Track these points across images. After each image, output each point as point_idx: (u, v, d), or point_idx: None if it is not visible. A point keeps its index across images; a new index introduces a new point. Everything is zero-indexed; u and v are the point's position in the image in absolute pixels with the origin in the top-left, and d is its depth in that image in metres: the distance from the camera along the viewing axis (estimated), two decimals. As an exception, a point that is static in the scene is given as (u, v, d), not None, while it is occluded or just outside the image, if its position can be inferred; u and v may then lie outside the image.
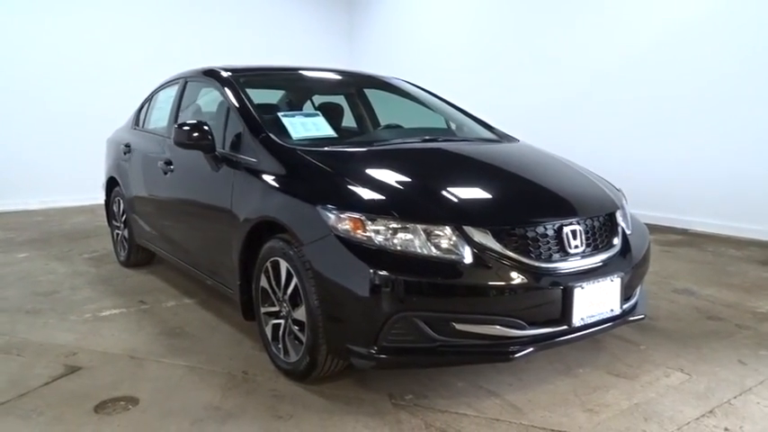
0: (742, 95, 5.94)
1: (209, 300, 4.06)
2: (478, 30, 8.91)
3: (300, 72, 4.19)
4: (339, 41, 11.26)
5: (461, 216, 2.45)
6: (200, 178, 3.45)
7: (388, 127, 4.12)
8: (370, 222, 2.40)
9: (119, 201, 4.95)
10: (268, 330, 2.93)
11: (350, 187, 2.61)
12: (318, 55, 10.64)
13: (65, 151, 8.62)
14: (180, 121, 3.96)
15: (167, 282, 4.54)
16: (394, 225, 2.39)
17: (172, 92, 4.35)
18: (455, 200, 2.57)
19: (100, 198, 8.56)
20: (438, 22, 9.62)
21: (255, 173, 2.99)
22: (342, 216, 2.45)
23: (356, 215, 2.43)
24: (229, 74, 3.65)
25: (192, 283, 4.44)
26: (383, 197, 2.55)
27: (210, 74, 3.76)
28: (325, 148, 3.04)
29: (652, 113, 6.74)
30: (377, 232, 2.39)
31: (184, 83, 4.14)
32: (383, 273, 2.31)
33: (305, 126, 3.25)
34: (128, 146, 4.69)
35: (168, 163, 3.85)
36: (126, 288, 4.41)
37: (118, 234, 5.08)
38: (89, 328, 3.57)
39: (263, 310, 2.96)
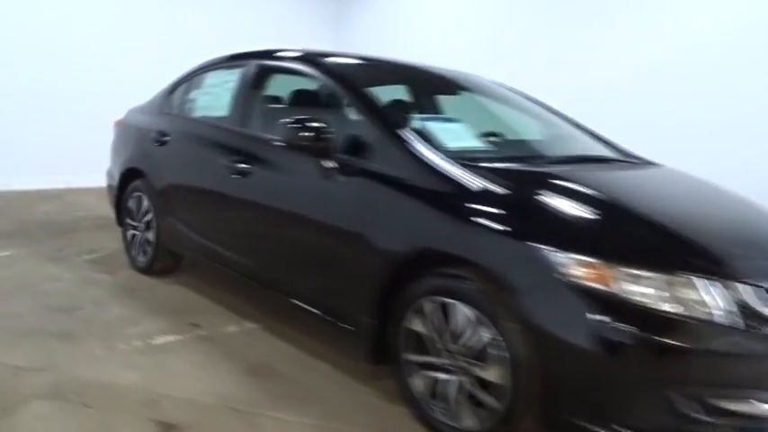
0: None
1: (275, 325, 3.45)
2: (484, 25, 8.50)
3: (410, 67, 3.62)
4: (324, 31, 10.57)
5: (717, 265, 2.02)
6: (303, 186, 2.86)
7: (516, 139, 3.51)
8: (611, 268, 1.94)
9: (140, 197, 4.21)
10: (417, 383, 2.41)
11: (569, 222, 2.13)
12: (299, 44, 9.92)
13: (25, 126, 7.58)
14: (255, 113, 3.39)
15: (207, 297, 3.88)
16: (643, 273, 1.93)
17: (229, 76, 3.68)
18: (697, 244, 2.13)
19: (66, 182, 7.69)
20: (438, 12, 9.13)
21: (402, 188, 2.45)
22: (572, 259, 1.96)
23: (591, 259, 1.96)
24: (341, 63, 3.06)
25: (236, 298, 3.80)
26: (617, 237, 2.10)
27: (311, 61, 3.15)
28: (506, 166, 2.55)
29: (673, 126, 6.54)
30: (624, 281, 1.92)
31: (258, 68, 3.49)
32: (636, 332, 1.86)
33: (452, 133, 2.72)
34: (163, 134, 3.97)
35: (242, 162, 3.21)
36: (162, 304, 3.73)
37: (135, 236, 4.33)
38: (151, 363, 2.91)
39: (410, 357, 2.43)
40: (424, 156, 2.48)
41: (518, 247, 2.07)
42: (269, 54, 3.52)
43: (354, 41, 10.38)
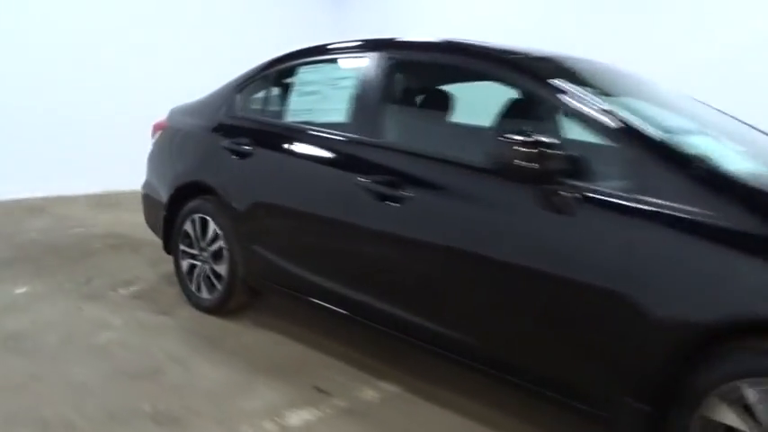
0: None
1: (420, 386, 2.76)
2: (501, 9, 7.88)
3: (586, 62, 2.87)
4: (320, 11, 9.71)
5: None
6: (514, 222, 2.18)
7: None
8: None
9: (203, 221, 3.41)
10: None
11: None
12: (294, 28, 8.99)
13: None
14: (402, 121, 2.70)
15: (311, 345, 3.13)
16: None
17: (339, 72, 2.95)
18: None
19: (46, 191, 6.63)
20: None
21: (702, 233, 1.82)
22: None
23: None
24: (541, 60, 2.39)
25: (347, 346, 3.09)
26: None
27: (509, 62, 2.45)
28: None
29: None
30: None
31: (389, 63, 2.75)
32: None
33: (721, 153, 2.11)
34: (243, 143, 3.18)
35: (391, 185, 2.50)
36: (265, 359, 2.97)
37: (195, 267, 3.53)
38: (307, 459, 2.19)
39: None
40: (731, 187, 1.86)
41: None
42: (411, 45, 2.80)
43: (361, 21, 9.53)
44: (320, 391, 2.68)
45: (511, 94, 2.53)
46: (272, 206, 3.06)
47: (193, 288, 3.56)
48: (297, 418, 2.46)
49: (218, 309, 3.44)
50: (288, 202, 2.98)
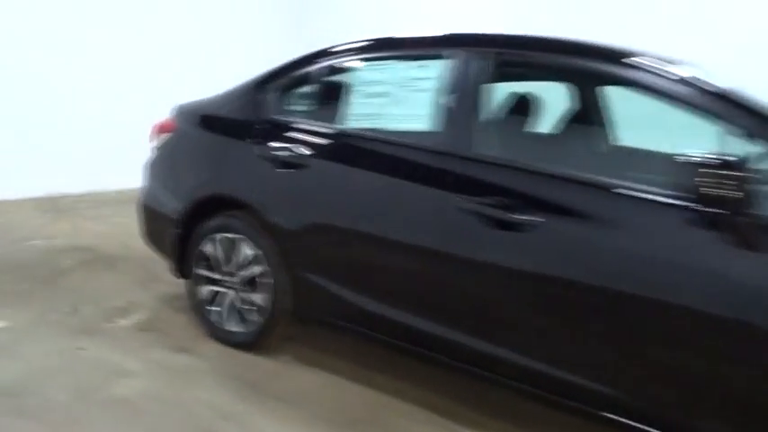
0: None
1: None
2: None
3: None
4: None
5: None
6: (689, 258, 1.84)
7: None
8: None
9: (232, 241, 2.90)
10: None
11: None
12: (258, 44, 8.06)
13: None
14: (515, 133, 2.33)
15: (370, 386, 2.71)
16: None
17: (414, 71, 2.52)
18: None
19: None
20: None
21: None
22: None
23: None
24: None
25: (417, 388, 2.69)
26: None
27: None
28: None
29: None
30: None
31: (496, 63, 2.35)
32: None
33: None
34: (296, 151, 2.69)
35: (508, 208, 2.11)
36: (324, 407, 2.52)
37: (219, 294, 3.01)
38: None
39: None
40: None
41: None
42: (527, 43, 2.39)
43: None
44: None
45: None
46: (336, 228, 2.60)
47: (217, 319, 3.04)
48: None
49: (253, 344, 2.94)
50: (359, 225, 2.53)
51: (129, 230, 5.03)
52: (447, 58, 2.43)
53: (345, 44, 2.83)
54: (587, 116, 2.90)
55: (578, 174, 2.09)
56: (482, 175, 2.22)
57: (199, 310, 3.12)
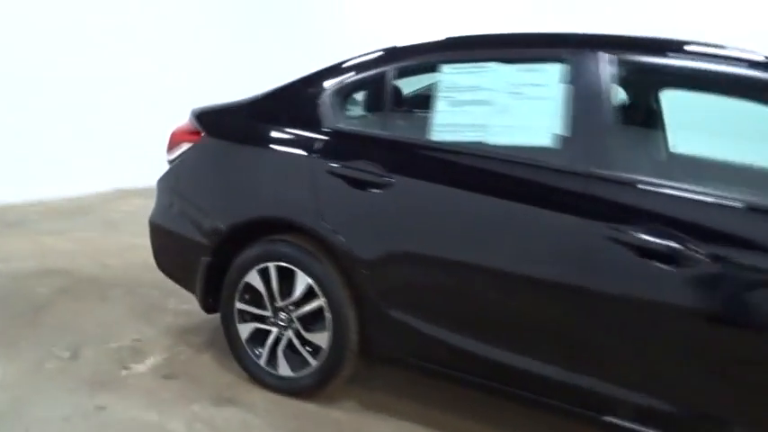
0: None
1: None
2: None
3: None
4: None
5: None
6: None
7: None
8: None
9: (281, 270, 2.47)
10: None
11: None
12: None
13: None
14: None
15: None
16: None
17: (522, 75, 2.16)
18: None
19: None
20: None
21: None
22: None
23: None
24: None
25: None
26: None
27: None
28: None
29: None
30: None
31: (628, 67, 2.04)
32: None
33: None
34: (376, 170, 2.29)
35: (680, 241, 1.81)
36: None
37: (264, 332, 2.57)
38: None
39: None
40: None
41: None
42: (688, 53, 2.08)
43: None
44: None
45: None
46: (427, 257, 2.22)
47: (264, 362, 2.59)
48: None
49: (310, 390, 2.52)
50: (458, 253, 2.16)
51: (100, 248, 4.46)
52: (567, 62, 2.10)
53: (422, 43, 2.45)
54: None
55: (749, 199, 1.83)
56: (634, 201, 1.92)
57: (239, 350, 2.66)
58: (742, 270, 1.79)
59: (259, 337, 2.60)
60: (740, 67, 1.97)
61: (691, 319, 1.83)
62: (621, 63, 2.06)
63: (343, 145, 2.41)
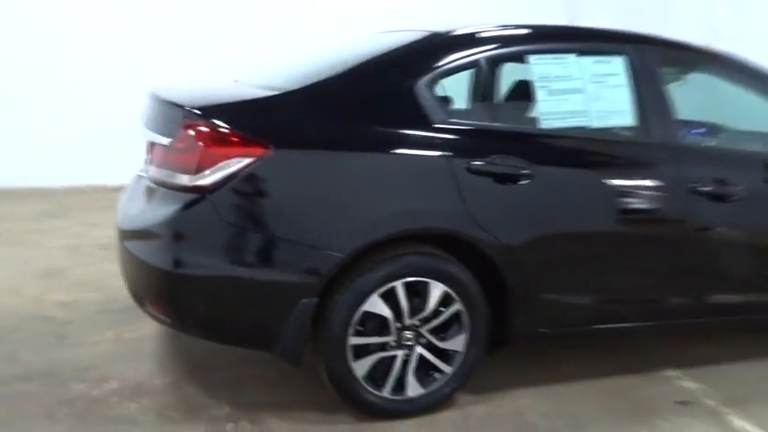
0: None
1: None
2: None
3: None
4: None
5: None
6: None
7: None
8: None
9: (411, 286, 2.27)
10: None
11: None
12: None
13: None
14: None
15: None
16: None
17: (608, 66, 2.52)
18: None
19: None
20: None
21: None
22: None
23: None
24: None
25: None
26: None
27: None
28: None
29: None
30: None
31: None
32: None
33: None
34: (519, 164, 2.30)
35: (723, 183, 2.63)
36: None
37: (387, 359, 2.30)
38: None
39: None
40: None
41: None
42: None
43: None
44: None
45: None
46: (574, 235, 2.48)
47: (389, 391, 2.31)
48: None
49: (451, 397, 2.42)
50: (596, 226, 2.50)
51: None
52: (625, 53, 2.57)
53: (508, 32, 2.51)
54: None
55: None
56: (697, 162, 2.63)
57: (355, 392, 2.27)
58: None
59: (379, 367, 2.29)
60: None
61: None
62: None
63: (473, 141, 2.31)
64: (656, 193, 2.54)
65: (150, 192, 2.33)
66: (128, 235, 2.35)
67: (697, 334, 3.07)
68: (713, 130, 3.14)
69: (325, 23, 6.17)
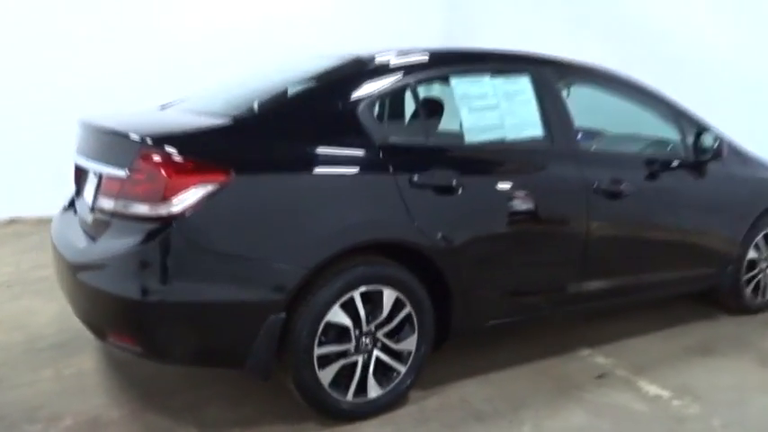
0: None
1: None
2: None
3: None
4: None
5: None
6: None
7: None
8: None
9: (367, 294, 2.45)
10: None
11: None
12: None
13: None
14: None
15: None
16: None
17: (515, 84, 2.84)
18: None
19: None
20: None
21: None
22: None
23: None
24: None
25: None
26: None
27: None
28: None
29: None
30: None
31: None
32: None
33: None
34: (447, 175, 2.57)
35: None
36: None
37: (357, 363, 2.47)
38: None
39: None
40: None
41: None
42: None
43: None
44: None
45: None
46: (494, 236, 2.79)
47: (352, 395, 2.48)
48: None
49: (408, 392, 2.63)
50: (514, 226, 2.83)
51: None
52: (526, 73, 2.92)
53: (432, 55, 2.77)
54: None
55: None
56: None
57: (322, 400, 2.42)
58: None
59: (342, 373, 2.45)
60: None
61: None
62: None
63: (412, 157, 2.54)
64: (564, 195, 2.90)
65: (101, 223, 2.33)
66: (81, 267, 2.32)
67: (604, 314, 3.50)
68: (599, 135, 3.62)
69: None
